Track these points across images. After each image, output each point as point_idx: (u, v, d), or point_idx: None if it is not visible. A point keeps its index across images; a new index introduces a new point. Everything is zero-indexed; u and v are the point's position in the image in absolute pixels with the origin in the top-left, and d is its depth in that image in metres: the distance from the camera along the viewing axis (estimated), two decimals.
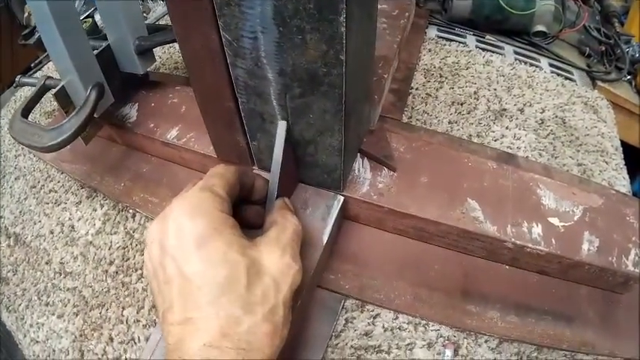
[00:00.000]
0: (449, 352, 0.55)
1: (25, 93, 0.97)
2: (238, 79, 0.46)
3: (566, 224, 0.57)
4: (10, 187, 0.83)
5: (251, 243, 0.42)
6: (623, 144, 0.84)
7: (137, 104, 0.73)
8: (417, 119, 0.79)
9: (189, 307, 0.38)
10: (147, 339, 0.59)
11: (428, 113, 0.80)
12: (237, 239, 0.40)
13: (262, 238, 0.44)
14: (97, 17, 0.81)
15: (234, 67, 0.45)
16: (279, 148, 0.48)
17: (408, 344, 0.56)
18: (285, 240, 0.43)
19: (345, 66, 0.40)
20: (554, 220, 0.58)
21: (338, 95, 0.43)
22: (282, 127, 0.48)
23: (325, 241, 0.53)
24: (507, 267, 0.61)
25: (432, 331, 0.57)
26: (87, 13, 0.86)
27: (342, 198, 0.57)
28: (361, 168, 0.60)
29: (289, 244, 0.43)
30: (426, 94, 0.84)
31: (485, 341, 0.57)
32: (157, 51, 0.93)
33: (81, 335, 0.62)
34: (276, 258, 0.41)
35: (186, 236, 0.39)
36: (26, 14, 1.29)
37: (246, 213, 0.47)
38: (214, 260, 0.38)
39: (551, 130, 0.80)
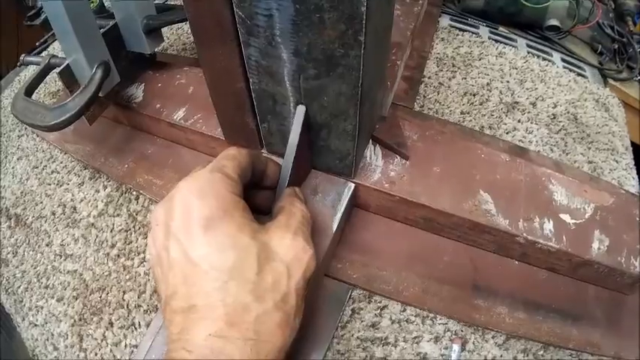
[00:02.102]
0: (456, 347, 0.54)
1: (29, 73, 0.95)
2: (250, 59, 0.45)
3: (577, 221, 0.56)
4: (13, 168, 0.82)
5: (261, 227, 0.40)
6: (632, 144, 0.83)
7: (143, 84, 0.72)
8: (429, 108, 0.78)
9: (194, 294, 0.35)
10: (148, 324, 0.58)
11: (440, 103, 0.79)
12: (247, 222, 0.38)
13: (271, 223, 0.42)
14: None
15: (246, 46, 0.43)
16: (295, 133, 0.47)
17: (415, 337, 0.55)
18: (295, 225, 0.41)
19: (363, 48, 0.39)
20: (566, 217, 0.57)
21: (354, 78, 0.42)
22: (300, 111, 0.46)
23: (334, 229, 0.52)
24: (517, 262, 0.60)
25: (439, 324, 0.56)
26: None
27: (352, 185, 0.56)
28: (373, 155, 0.59)
29: (300, 229, 0.41)
30: (439, 83, 0.83)
31: (493, 337, 0.56)
32: (165, 32, 0.92)
33: (80, 319, 0.61)
34: (287, 242, 0.39)
35: (193, 218, 0.37)
36: None
37: (256, 198, 0.46)
38: (223, 244, 0.36)
39: (563, 126, 0.79)
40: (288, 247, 0.39)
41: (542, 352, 0.56)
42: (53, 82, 0.90)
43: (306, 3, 0.36)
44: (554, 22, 1.03)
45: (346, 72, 0.41)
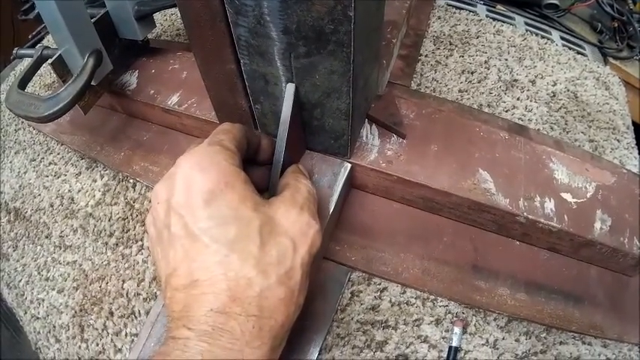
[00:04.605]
0: (457, 330, 0.54)
1: (24, 67, 0.95)
2: (240, 39, 0.44)
3: (578, 201, 0.56)
4: (10, 162, 0.81)
5: (265, 201, 0.39)
6: (633, 124, 0.82)
7: (137, 71, 0.72)
8: (426, 86, 0.77)
9: (195, 269, 0.35)
10: (147, 313, 0.58)
11: (437, 81, 0.78)
12: (250, 194, 0.38)
13: (276, 198, 0.41)
14: None
15: (235, 25, 0.43)
16: (286, 111, 0.46)
17: (416, 320, 0.55)
18: (301, 200, 0.41)
19: (353, 23, 0.38)
20: (567, 196, 0.56)
21: (346, 54, 0.41)
22: (290, 89, 0.46)
23: (331, 210, 0.51)
24: (518, 242, 0.59)
25: (440, 306, 0.56)
26: None
27: (349, 165, 0.55)
28: (369, 134, 0.58)
29: (306, 204, 0.41)
30: (436, 61, 0.82)
31: (495, 319, 0.56)
32: (158, 18, 0.91)
33: (81, 310, 0.61)
34: (293, 216, 0.39)
35: (194, 191, 0.36)
36: None
37: (251, 175, 0.45)
38: (225, 216, 0.36)
39: (563, 104, 0.78)
40: (294, 222, 0.39)
41: (544, 335, 0.55)
42: (48, 74, 0.89)
43: None
44: None
45: (337, 49, 0.40)
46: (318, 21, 0.39)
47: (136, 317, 0.59)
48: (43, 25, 0.99)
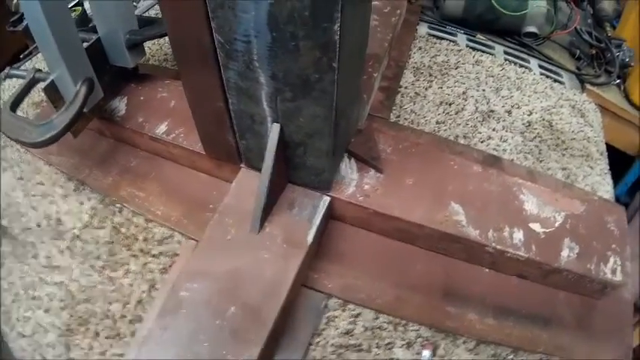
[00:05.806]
0: (426, 353, 0.56)
1: (13, 83, 0.95)
2: (229, 81, 0.46)
3: (547, 230, 0.59)
4: None
5: None
6: (609, 147, 0.85)
7: (126, 98, 0.73)
8: (404, 118, 0.79)
9: None
10: (132, 334, 0.59)
11: (416, 113, 0.81)
12: None
13: None
14: (87, 5, 0.80)
15: (225, 68, 0.45)
16: (271, 149, 0.48)
17: (388, 344, 0.57)
18: None
19: (337, 73, 0.41)
20: (536, 226, 0.59)
21: (329, 101, 0.43)
22: (275, 129, 0.48)
23: (310, 242, 0.54)
24: (487, 270, 0.62)
25: (411, 331, 0.58)
26: (76, 1, 0.84)
27: (328, 199, 0.58)
28: (348, 168, 0.61)
29: None
30: (415, 93, 0.84)
31: (464, 342, 0.58)
32: (147, 42, 0.92)
33: (67, 330, 0.62)
34: None
35: None
36: (15, 0, 1.27)
37: None
38: None
39: (538, 133, 0.80)
40: None
41: (512, 357, 0.58)
42: (37, 92, 0.89)
43: (282, 31, 0.38)
44: (532, 28, 1.04)
45: (321, 95, 0.43)
46: (304, 70, 0.41)
47: (121, 338, 0.60)
48: (35, 45, 0.99)
